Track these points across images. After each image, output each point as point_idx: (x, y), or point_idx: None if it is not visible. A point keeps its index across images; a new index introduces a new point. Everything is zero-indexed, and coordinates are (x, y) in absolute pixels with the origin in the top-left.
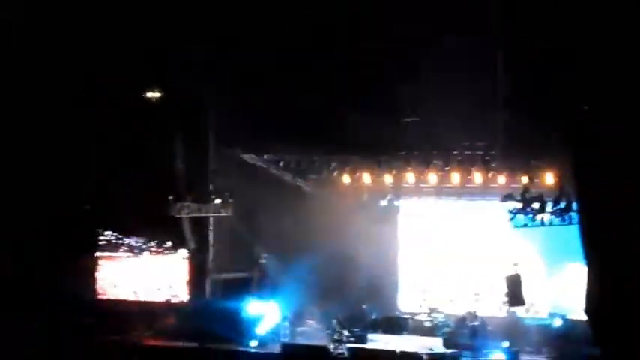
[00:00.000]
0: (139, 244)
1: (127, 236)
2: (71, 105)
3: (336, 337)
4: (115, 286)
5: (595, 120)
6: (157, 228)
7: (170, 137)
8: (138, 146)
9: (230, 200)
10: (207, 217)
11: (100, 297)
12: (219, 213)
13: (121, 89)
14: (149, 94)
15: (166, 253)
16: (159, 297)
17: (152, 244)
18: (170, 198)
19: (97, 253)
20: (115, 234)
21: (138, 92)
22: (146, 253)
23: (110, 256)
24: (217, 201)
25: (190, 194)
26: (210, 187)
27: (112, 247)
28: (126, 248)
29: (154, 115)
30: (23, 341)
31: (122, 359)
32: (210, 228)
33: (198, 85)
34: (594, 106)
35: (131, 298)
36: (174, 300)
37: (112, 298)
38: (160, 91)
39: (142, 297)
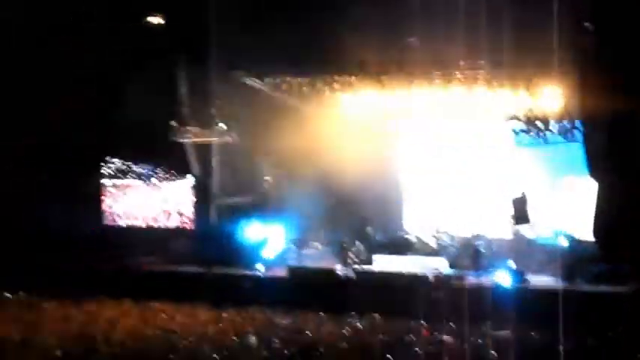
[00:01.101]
0: (146, 171)
1: (135, 163)
2: (73, 32)
3: (342, 259)
4: (121, 213)
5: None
6: (161, 154)
7: (173, 63)
8: (141, 72)
9: (233, 125)
10: (211, 143)
11: (106, 223)
12: (223, 138)
13: (122, 16)
14: (151, 20)
15: (173, 180)
16: (165, 223)
17: (159, 170)
18: (173, 123)
19: (105, 181)
20: (122, 161)
21: (140, 18)
22: (154, 180)
23: (118, 184)
24: (221, 126)
25: (194, 119)
26: (213, 112)
27: (121, 174)
28: (134, 175)
29: (156, 41)
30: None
31: (128, 285)
32: (214, 153)
33: (200, 9)
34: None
35: (137, 224)
36: (180, 226)
37: (118, 224)
38: (162, 17)
39: (149, 223)
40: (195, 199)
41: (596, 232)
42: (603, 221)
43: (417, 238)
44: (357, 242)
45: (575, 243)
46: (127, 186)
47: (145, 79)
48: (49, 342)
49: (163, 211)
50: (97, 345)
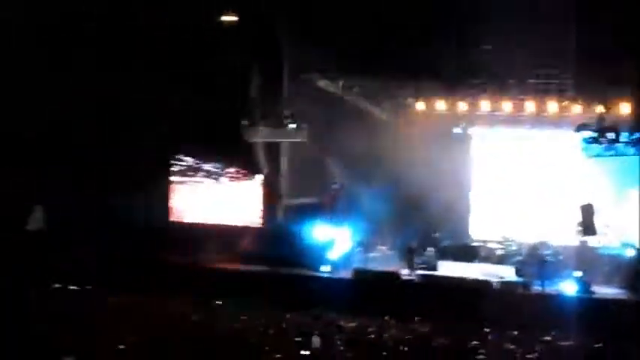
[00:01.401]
0: (216, 170)
1: (206, 162)
2: (146, 29)
3: (408, 262)
4: (189, 211)
5: None
6: (231, 153)
7: (245, 62)
8: (213, 71)
9: (304, 126)
10: (281, 143)
11: (174, 220)
12: (293, 138)
13: (196, 14)
14: (225, 19)
15: (243, 179)
16: (233, 221)
17: (230, 169)
18: (244, 123)
19: (175, 178)
20: (194, 159)
21: (213, 17)
22: (224, 179)
23: (188, 181)
24: (291, 126)
25: (264, 119)
26: (285, 113)
27: (191, 172)
28: (204, 174)
29: (230, 40)
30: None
31: (195, 282)
32: (284, 153)
33: (275, 8)
34: None
35: (206, 222)
36: (248, 225)
37: (186, 222)
38: (235, 16)
39: (217, 221)
40: (264, 199)
41: None
42: None
43: (484, 245)
44: (428, 248)
45: None
46: (197, 183)
47: (218, 79)
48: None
49: (232, 210)
50: (163, 341)
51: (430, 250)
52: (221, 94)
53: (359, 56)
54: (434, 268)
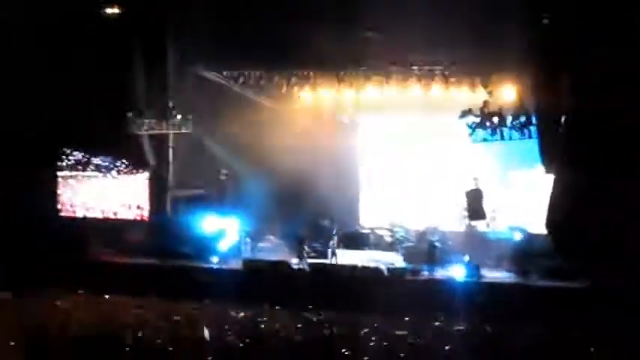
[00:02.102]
0: (106, 164)
1: (94, 156)
2: (28, 20)
3: (298, 252)
4: (79, 205)
5: (558, 32)
6: (118, 146)
7: (130, 53)
8: (97, 63)
9: (190, 116)
10: (167, 134)
11: (62, 215)
12: (180, 129)
13: (79, 5)
14: (108, 10)
15: (132, 172)
16: (121, 215)
17: (119, 163)
18: (129, 114)
19: (63, 172)
20: (82, 154)
21: (97, 8)
22: (113, 173)
23: (77, 176)
24: (177, 117)
25: (150, 111)
26: (170, 104)
27: (81, 166)
28: (93, 167)
29: (113, 31)
30: None
31: (83, 276)
32: (171, 145)
33: (158, 2)
34: (557, 18)
35: (92, 215)
36: (134, 217)
37: (73, 215)
38: (119, 7)
39: (103, 215)
40: (150, 191)
41: (548, 226)
42: (556, 216)
43: (373, 232)
44: (312, 236)
45: (529, 238)
46: (86, 178)
47: (102, 70)
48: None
49: (123, 204)
50: (50, 337)
51: (318, 239)
52: (105, 86)
53: (241, 46)
54: (324, 256)
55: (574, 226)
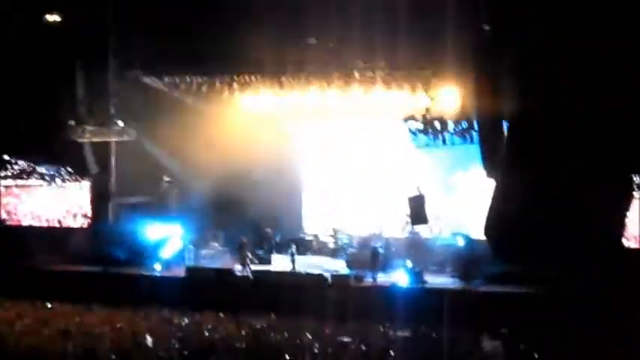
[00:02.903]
0: (50, 172)
1: (38, 164)
2: None
3: (240, 259)
4: (23, 214)
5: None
6: (61, 154)
7: (71, 61)
8: (39, 71)
9: (132, 124)
10: (110, 141)
11: (8, 224)
12: (121, 137)
13: (21, 14)
14: (49, 18)
15: (77, 181)
16: (65, 223)
17: (63, 171)
18: (71, 122)
19: (8, 182)
20: (27, 162)
21: (38, 17)
22: (58, 181)
23: (22, 185)
24: (119, 124)
25: (91, 118)
26: (112, 111)
27: (25, 175)
28: (37, 176)
29: (54, 40)
30: None
31: (26, 283)
32: (113, 152)
33: (99, 8)
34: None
35: (36, 224)
36: (78, 225)
37: (17, 224)
38: (60, 16)
39: (47, 223)
40: (93, 199)
41: (488, 231)
42: (497, 221)
43: (316, 238)
44: (255, 243)
45: (472, 243)
46: (31, 187)
47: (43, 78)
48: None
49: (67, 212)
50: None
51: (261, 246)
52: (47, 94)
53: (181, 54)
54: (268, 263)
55: (515, 230)
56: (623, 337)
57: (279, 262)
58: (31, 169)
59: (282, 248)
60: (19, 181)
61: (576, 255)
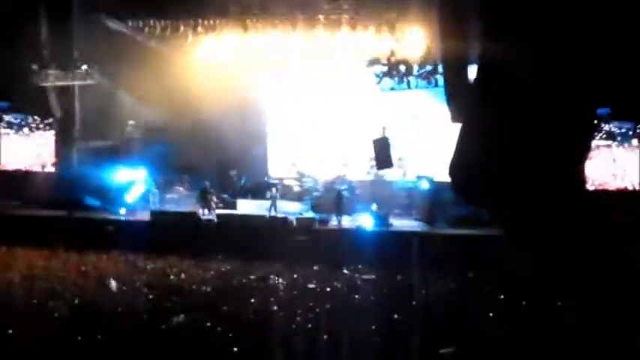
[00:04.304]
0: (17, 121)
1: (4, 112)
2: None
3: (204, 203)
4: None
5: None
6: (24, 99)
7: (33, 4)
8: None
9: (95, 67)
10: (73, 85)
11: None
12: (85, 81)
13: None
14: None
15: (42, 127)
16: (30, 167)
17: (30, 119)
18: (34, 66)
19: None
20: None
21: None
22: (26, 129)
23: None
24: (82, 68)
25: (54, 63)
26: (75, 55)
27: None
28: (5, 125)
29: None
30: None
31: None
32: (76, 96)
33: None
34: None
35: (3, 169)
36: (42, 169)
37: None
38: None
39: (10, 167)
40: (57, 144)
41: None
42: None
43: (281, 182)
44: (220, 187)
45: (436, 186)
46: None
47: (4, 22)
48: None
49: (29, 157)
50: None
51: (226, 190)
52: (8, 38)
53: None
54: (233, 207)
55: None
56: (586, 276)
57: (245, 206)
58: None
59: (247, 192)
60: None
61: (538, 197)
